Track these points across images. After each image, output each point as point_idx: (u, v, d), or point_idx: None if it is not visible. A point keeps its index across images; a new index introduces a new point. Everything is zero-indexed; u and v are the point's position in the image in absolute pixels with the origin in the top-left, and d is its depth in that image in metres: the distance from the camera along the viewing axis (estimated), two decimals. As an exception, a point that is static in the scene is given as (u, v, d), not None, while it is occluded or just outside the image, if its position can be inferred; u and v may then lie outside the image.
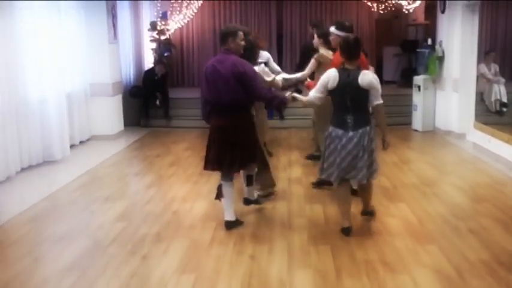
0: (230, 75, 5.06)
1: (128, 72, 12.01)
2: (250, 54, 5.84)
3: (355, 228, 5.22)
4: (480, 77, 8.74)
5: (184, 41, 14.53)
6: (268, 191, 6.30)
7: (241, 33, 5.29)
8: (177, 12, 12.90)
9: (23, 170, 7.62)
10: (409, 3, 12.55)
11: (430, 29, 11.76)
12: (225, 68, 5.10)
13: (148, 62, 13.03)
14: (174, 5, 12.90)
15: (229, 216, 5.38)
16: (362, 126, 4.93)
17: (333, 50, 6.46)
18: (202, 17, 14.26)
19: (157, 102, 11.68)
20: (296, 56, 13.34)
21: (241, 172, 5.74)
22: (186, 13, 12.95)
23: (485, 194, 6.43)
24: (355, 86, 4.87)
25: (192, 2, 12.80)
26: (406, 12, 13.06)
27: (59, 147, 8.42)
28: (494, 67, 8.39)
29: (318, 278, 4.26)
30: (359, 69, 4.98)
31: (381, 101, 4.97)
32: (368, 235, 5.14)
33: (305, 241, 5.02)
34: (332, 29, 6.30)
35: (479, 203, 6.07)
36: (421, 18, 13.29)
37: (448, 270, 4.32)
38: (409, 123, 10.86)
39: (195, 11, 13.12)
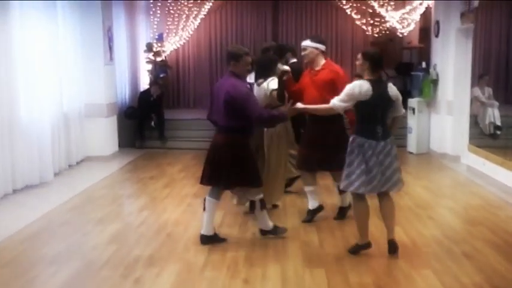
0: (222, 101, 5.19)
1: (123, 93, 12.03)
2: (265, 71, 5.92)
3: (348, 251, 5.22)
4: (474, 100, 8.79)
5: (180, 63, 14.59)
6: (273, 203, 6.47)
7: (247, 58, 5.32)
8: (173, 34, 12.98)
9: (15, 191, 7.57)
10: (403, 27, 12.67)
11: (425, 53, 11.86)
12: (221, 92, 5.24)
13: (144, 83, 13.07)
14: (170, 26, 12.99)
15: (206, 231, 5.49)
16: (388, 135, 5.03)
17: (307, 64, 6.22)
18: (198, 38, 14.34)
19: (153, 123, 11.67)
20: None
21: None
22: (182, 35, 13.04)
23: (480, 217, 6.43)
24: (386, 98, 4.96)
25: (188, 24, 12.89)
26: (401, 35, 13.17)
27: (52, 168, 8.40)
28: (488, 90, 8.44)
29: (312, 302, 4.23)
30: (382, 80, 5.09)
31: (403, 111, 5.21)
32: (362, 258, 5.11)
33: (299, 264, 4.98)
34: (307, 42, 6.01)
35: (473, 226, 6.06)
36: (415, 41, 13.40)
37: (443, 295, 4.31)
38: (403, 146, 10.88)
39: (191, 32, 13.22)
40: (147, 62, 12.74)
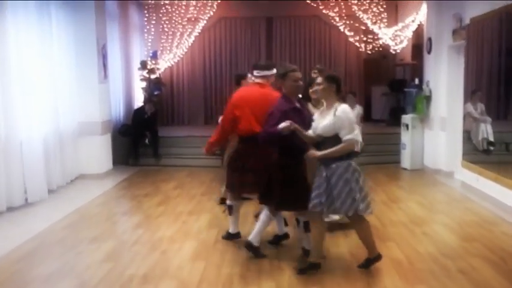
0: None
1: (118, 111, 12.04)
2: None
3: (345, 268, 5.21)
4: (467, 116, 8.83)
5: (174, 80, 14.65)
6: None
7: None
8: (167, 52, 13.04)
9: (9, 209, 7.54)
10: (396, 44, 12.78)
11: (418, 69, 11.95)
12: None
13: (138, 100, 13.10)
14: (164, 44, 13.05)
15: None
16: None
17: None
18: (192, 56, 14.42)
19: (147, 140, 11.67)
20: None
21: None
22: (176, 52, 13.10)
23: (474, 233, 6.43)
24: None
25: (182, 41, 12.96)
26: (394, 52, 13.29)
27: (47, 186, 8.38)
28: (481, 106, 8.48)
29: (307, 319, 4.21)
30: None
31: None
32: (358, 275, 5.10)
33: (294, 282, 4.97)
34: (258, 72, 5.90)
35: (468, 242, 6.06)
36: (408, 58, 13.51)
37: (438, 311, 4.30)
38: (397, 162, 10.92)
39: (185, 50, 13.28)
40: (141, 79, 12.78)
